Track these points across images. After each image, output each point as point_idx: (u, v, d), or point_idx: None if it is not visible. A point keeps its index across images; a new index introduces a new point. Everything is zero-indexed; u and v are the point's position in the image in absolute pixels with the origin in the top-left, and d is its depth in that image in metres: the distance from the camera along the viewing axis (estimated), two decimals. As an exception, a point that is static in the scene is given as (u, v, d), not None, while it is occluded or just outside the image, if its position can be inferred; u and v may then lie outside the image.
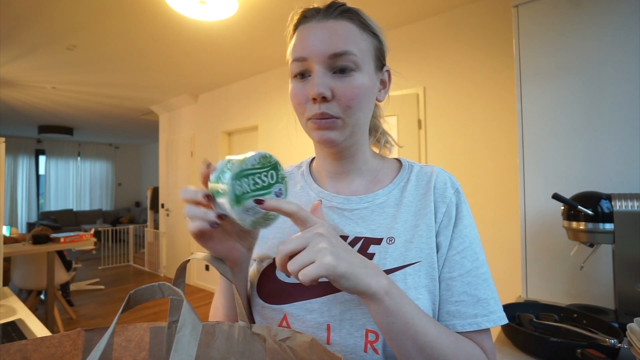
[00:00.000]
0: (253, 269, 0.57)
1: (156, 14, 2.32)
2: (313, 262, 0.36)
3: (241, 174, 0.38)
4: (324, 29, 0.47)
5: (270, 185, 0.40)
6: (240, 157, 0.39)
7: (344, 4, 0.49)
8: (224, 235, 0.46)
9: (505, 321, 0.47)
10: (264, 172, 0.40)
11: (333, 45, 0.46)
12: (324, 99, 0.46)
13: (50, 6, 2.22)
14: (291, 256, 0.38)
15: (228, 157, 0.41)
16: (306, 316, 0.48)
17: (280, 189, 0.41)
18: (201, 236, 0.42)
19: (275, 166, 0.41)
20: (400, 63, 2.48)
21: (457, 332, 0.45)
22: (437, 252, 0.48)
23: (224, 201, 0.38)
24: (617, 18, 1.15)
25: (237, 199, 0.37)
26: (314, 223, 0.40)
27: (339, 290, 0.48)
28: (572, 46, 1.22)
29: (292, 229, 0.54)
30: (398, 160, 0.59)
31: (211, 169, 0.41)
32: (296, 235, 0.38)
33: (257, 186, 0.39)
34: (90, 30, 2.58)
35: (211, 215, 0.40)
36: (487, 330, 0.47)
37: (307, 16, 0.49)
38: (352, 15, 0.48)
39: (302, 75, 0.48)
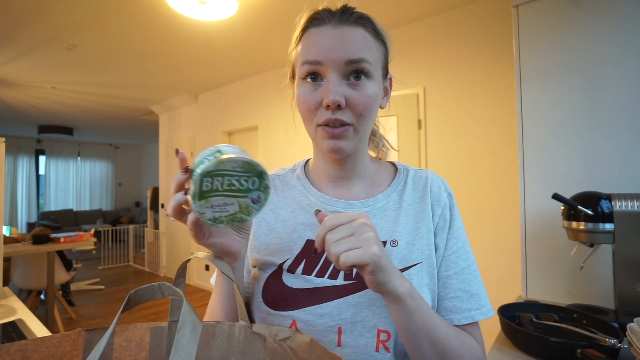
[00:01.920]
0: (253, 275, 0.56)
1: (156, 14, 2.32)
2: (359, 248, 0.37)
3: (213, 173, 0.37)
4: (340, 35, 0.46)
5: (248, 190, 0.39)
6: (225, 154, 0.38)
7: (355, 9, 0.49)
8: (218, 230, 0.46)
9: (493, 313, 0.52)
10: (245, 177, 0.38)
11: (350, 52, 0.45)
12: (338, 107, 0.46)
13: (50, 6, 2.22)
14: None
15: (218, 148, 0.40)
16: (317, 321, 0.48)
17: (259, 196, 0.40)
18: (198, 234, 0.42)
19: (260, 174, 0.39)
20: (400, 63, 2.48)
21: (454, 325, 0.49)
22: (435, 252, 0.51)
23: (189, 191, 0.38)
24: (617, 18, 1.14)
25: (201, 195, 0.37)
26: (356, 216, 0.40)
27: (349, 294, 0.49)
28: (572, 46, 1.22)
29: (292, 235, 0.54)
30: (392, 163, 0.61)
31: (185, 164, 0.40)
32: (344, 226, 0.39)
33: (232, 187, 0.38)
34: (90, 30, 2.58)
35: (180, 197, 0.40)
36: (477, 322, 0.51)
37: (320, 19, 0.48)
38: (367, 22, 0.48)
39: (314, 78, 0.47)
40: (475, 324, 0.50)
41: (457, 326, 0.49)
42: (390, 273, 0.39)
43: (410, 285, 0.43)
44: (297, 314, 0.49)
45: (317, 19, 0.48)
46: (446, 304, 0.50)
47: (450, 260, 0.51)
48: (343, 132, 0.47)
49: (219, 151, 0.39)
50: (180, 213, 0.41)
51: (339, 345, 0.47)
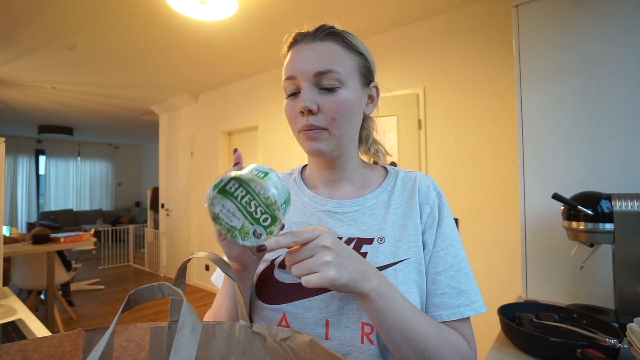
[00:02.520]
0: None
1: (156, 14, 2.32)
2: (316, 273, 0.40)
3: (242, 183, 0.38)
4: (310, 50, 0.52)
5: (257, 222, 0.39)
6: (266, 179, 0.39)
7: (331, 27, 0.54)
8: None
9: (485, 309, 0.52)
10: (262, 209, 0.38)
11: (318, 65, 0.50)
12: (310, 112, 0.51)
13: (50, 6, 2.22)
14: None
15: (269, 171, 0.41)
16: (305, 314, 0.51)
17: (261, 234, 0.39)
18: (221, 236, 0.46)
19: (274, 217, 0.39)
20: (400, 63, 2.48)
21: (443, 322, 0.50)
22: (424, 249, 0.53)
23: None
24: (617, 18, 1.14)
25: (222, 189, 0.39)
26: (317, 235, 0.41)
27: None
28: (572, 46, 1.22)
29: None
30: (384, 168, 0.64)
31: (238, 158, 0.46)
32: (304, 247, 0.41)
33: (248, 208, 0.39)
34: (90, 30, 2.58)
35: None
36: (468, 319, 0.52)
37: (297, 39, 0.54)
38: (337, 37, 0.53)
39: (294, 94, 0.53)
40: (465, 320, 0.51)
41: (447, 322, 0.50)
42: (355, 283, 0.41)
43: (381, 284, 0.44)
44: (287, 307, 0.52)
45: (295, 40, 0.55)
46: (435, 300, 0.51)
47: (439, 257, 0.53)
48: (317, 135, 0.52)
49: (266, 173, 0.40)
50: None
51: (326, 338, 0.49)
